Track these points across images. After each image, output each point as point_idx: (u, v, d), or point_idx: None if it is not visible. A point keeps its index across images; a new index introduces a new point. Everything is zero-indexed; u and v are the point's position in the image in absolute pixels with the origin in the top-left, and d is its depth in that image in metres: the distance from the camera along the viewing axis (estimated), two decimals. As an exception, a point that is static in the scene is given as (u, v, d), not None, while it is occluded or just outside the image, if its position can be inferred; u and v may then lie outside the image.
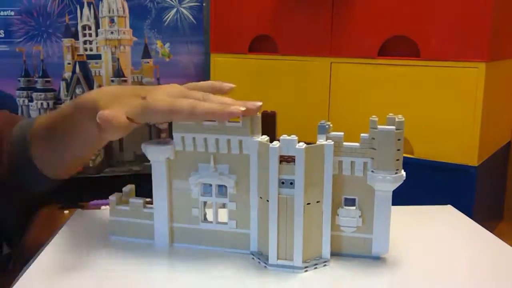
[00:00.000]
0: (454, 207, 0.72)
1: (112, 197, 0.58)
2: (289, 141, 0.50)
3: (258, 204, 0.54)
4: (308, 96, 0.90)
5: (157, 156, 0.55)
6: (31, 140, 0.67)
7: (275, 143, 0.51)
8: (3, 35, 1.02)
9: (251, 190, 0.54)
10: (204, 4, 1.07)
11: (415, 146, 0.79)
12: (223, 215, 0.56)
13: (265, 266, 0.52)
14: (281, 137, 0.51)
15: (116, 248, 0.56)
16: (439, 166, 0.77)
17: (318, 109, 0.89)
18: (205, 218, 0.57)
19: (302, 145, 0.50)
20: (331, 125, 0.53)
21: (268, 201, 0.51)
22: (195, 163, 0.55)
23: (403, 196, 0.79)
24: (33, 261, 0.53)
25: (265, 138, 0.53)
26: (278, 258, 0.52)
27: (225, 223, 0.56)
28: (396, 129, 0.51)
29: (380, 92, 0.81)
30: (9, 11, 1.01)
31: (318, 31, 0.87)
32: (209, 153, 0.55)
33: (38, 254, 0.55)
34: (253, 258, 0.54)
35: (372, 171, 0.53)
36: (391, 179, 0.52)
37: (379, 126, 0.51)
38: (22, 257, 0.74)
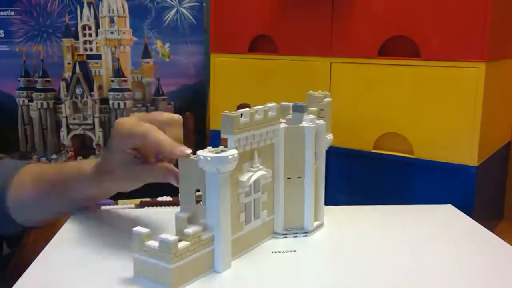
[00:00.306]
0: (454, 207, 0.72)
1: (168, 238, 0.46)
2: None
3: (285, 185, 0.58)
4: (308, 96, 0.90)
5: (228, 167, 0.48)
6: (10, 190, 0.65)
7: (308, 123, 0.57)
8: (3, 35, 1.02)
9: (279, 174, 0.57)
10: (204, 4, 1.07)
11: (415, 146, 0.79)
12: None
13: (305, 235, 0.59)
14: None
15: (116, 247, 0.56)
16: (439, 166, 0.77)
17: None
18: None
19: (322, 121, 0.59)
20: (307, 106, 0.61)
21: (299, 178, 0.58)
22: (240, 164, 0.51)
23: (404, 195, 0.79)
24: (33, 261, 0.53)
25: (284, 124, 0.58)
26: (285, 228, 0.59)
27: (259, 218, 0.57)
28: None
29: (380, 92, 0.81)
30: (9, 11, 1.01)
31: (318, 31, 0.87)
32: (252, 149, 0.54)
33: (38, 254, 0.55)
34: (285, 237, 0.59)
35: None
36: (332, 137, 0.66)
37: (324, 99, 0.66)
38: (22, 257, 0.74)
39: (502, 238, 0.60)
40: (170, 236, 0.46)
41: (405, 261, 0.55)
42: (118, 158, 0.57)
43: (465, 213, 0.70)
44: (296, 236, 0.59)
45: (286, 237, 0.59)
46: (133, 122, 0.55)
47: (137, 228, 0.47)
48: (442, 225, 0.66)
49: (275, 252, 0.56)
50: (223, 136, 0.51)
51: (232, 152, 0.48)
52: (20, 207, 0.65)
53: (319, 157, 0.60)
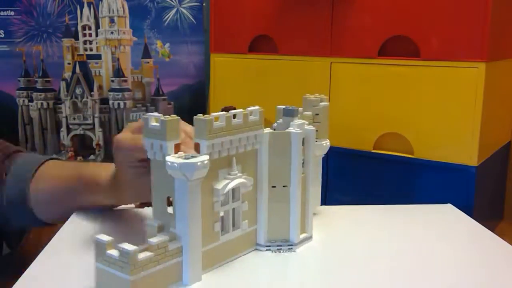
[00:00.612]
0: (454, 207, 0.72)
1: (128, 248, 0.43)
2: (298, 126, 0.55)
3: (270, 194, 0.55)
4: (308, 96, 0.90)
5: (196, 174, 0.45)
6: (32, 184, 0.66)
7: (295, 129, 0.54)
8: (3, 35, 1.02)
9: (263, 182, 0.54)
10: (204, 4, 1.07)
11: (415, 146, 0.79)
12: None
13: (290, 249, 0.56)
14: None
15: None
16: (439, 166, 0.77)
17: (318, 109, 0.89)
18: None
19: (311, 126, 0.56)
20: (300, 109, 0.59)
21: (284, 186, 0.54)
22: (215, 171, 0.49)
23: (404, 195, 0.79)
24: (33, 261, 0.53)
25: (269, 129, 0.55)
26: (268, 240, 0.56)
27: (238, 228, 0.53)
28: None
29: (380, 92, 0.81)
30: (9, 11, 1.01)
31: (318, 31, 0.87)
32: (230, 155, 0.51)
33: (38, 254, 0.55)
34: (269, 249, 0.56)
35: (316, 141, 0.60)
36: (329, 143, 0.64)
37: (320, 103, 0.63)
38: (22, 257, 0.74)
39: (502, 238, 0.60)
40: (130, 246, 0.43)
41: (405, 261, 0.55)
42: (128, 172, 0.56)
43: (465, 213, 0.70)
44: (280, 249, 0.56)
45: (269, 250, 0.55)
46: (131, 137, 0.54)
47: (100, 236, 0.45)
48: (442, 225, 0.66)
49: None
50: (195, 140, 0.48)
51: (202, 159, 0.45)
52: (40, 203, 0.67)
53: (308, 165, 0.56)
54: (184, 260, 0.47)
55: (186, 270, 0.47)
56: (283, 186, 0.54)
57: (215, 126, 0.48)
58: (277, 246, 0.56)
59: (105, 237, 0.44)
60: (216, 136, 0.48)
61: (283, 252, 0.55)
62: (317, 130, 0.59)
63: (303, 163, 0.55)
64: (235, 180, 0.50)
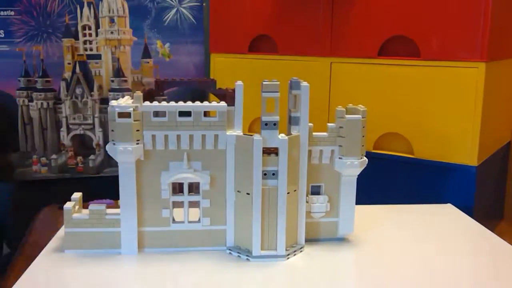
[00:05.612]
0: (454, 206, 0.72)
1: (68, 206, 0.54)
2: (271, 133, 0.52)
3: (236, 198, 0.54)
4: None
5: (127, 157, 0.52)
6: None
7: (257, 136, 0.52)
8: (3, 35, 1.02)
9: (227, 185, 0.54)
10: (204, 4, 1.07)
11: (415, 146, 0.79)
12: (192, 214, 0.56)
13: (247, 259, 0.54)
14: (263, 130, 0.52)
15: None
16: (439, 166, 0.77)
17: (318, 109, 0.89)
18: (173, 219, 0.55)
19: (283, 136, 0.52)
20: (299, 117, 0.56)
21: (248, 194, 0.53)
22: (165, 162, 0.53)
23: (403, 195, 0.79)
24: (33, 261, 0.53)
25: (240, 131, 0.54)
26: (262, 249, 0.53)
27: (197, 222, 0.55)
28: (362, 118, 0.56)
29: (380, 92, 0.81)
30: (9, 11, 1.01)
31: (318, 31, 0.87)
32: (182, 150, 0.53)
33: (38, 254, 0.55)
34: (230, 253, 0.55)
35: (340, 158, 0.56)
36: (358, 164, 0.56)
37: (346, 116, 0.55)
38: (22, 257, 0.74)
39: (502, 238, 0.60)
40: (69, 204, 0.53)
41: (405, 260, 0.55)
42: None
43: (465, 213, 0.70)
44: (239, 256, 0.54)
45: (231, 253, 0.55)
46: None
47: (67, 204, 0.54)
48: (442, 225, 0.66)
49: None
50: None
51: (126, 145, 0.51)
52: None
53: (281, 176, 0.52)
54: (121, 230, 0.54)
55: (124, 239, 0.54)
56: (247, 193, 0.53)
57: (154, 119, 0.52)
58: (238, 253, 0.54)
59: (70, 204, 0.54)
60: (156, 129, 0.52)
61: (244, 260, 0.54)
62: (340, 146, 0.56)
63: (274, 173, 0.52)
64: (179, 175, 0.53)
